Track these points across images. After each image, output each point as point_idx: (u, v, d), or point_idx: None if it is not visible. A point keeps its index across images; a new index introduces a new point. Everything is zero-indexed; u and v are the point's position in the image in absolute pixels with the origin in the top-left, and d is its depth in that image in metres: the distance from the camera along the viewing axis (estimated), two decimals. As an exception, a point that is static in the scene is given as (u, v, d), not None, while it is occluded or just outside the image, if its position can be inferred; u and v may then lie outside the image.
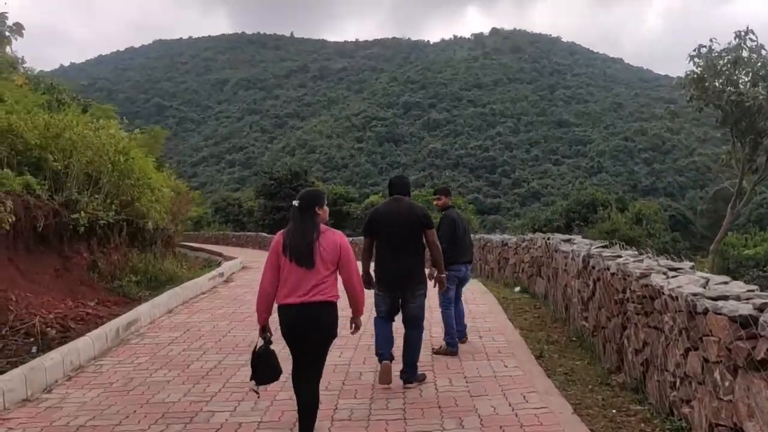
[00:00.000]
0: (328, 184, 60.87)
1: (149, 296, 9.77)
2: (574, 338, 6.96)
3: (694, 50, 24.48)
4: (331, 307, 4.28)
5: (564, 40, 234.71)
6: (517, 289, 11.05)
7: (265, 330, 4.43)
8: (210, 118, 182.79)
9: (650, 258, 5.70)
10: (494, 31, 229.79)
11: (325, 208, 4.51)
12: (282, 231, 4.43)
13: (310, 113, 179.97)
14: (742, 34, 23.95)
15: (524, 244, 11.14)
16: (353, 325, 4.64)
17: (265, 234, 39.27)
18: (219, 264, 16.66)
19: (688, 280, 4.51)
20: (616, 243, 7.81)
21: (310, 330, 4.22)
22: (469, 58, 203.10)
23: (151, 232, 18.19)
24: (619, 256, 6.06)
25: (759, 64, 23.91)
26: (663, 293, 4.54)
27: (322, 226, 4.37)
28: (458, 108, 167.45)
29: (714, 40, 24.32)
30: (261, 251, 34.39)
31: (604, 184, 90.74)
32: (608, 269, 5.88)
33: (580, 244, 7.80)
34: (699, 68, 24.11)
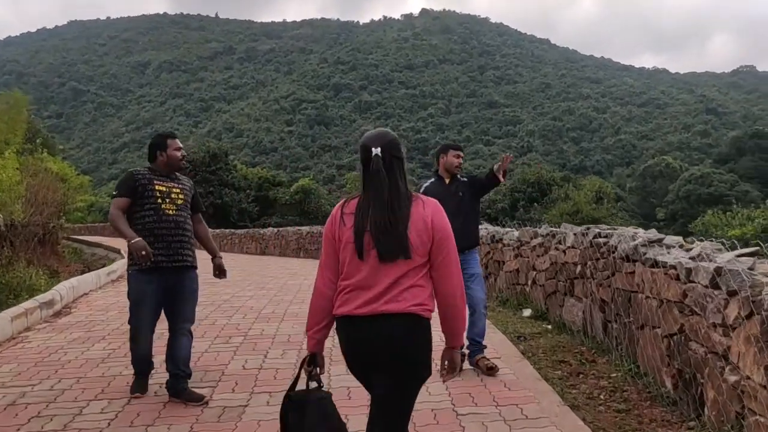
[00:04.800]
0: (255, 169, 55.79)
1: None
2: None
3: None
4: (416, 322, 2.33)
5: (492, 20, 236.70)
6: (527, 312, 7.01)
7: (314, 360, 2.50)
8: (131, 102, 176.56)
9: None
10: (424, 12, 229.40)
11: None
12: (343, 201, 2.48)
13: (237, 96, 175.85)
14: None
15: (537, 240, 7.09)
16: (446, 364, 2.46)
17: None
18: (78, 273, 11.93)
19: None
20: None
21: (381, 357, 2.33)
22: (399, 39, 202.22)
23: (2, 231, 13.67)
24: None
25: None
26: None
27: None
28: (389, 90, 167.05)
29: None
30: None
31: (535, 163, 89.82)
32: None
33: (721, 256, 3.80)
34: None
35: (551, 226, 7.22)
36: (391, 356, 2.32)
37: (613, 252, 5.07)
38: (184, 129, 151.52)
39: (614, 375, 4.63)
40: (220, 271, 4.64)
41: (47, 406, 4.31)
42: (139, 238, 4.13)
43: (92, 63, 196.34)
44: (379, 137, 2.48)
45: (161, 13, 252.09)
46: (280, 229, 24.53)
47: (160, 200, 4.31)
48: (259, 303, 8.43)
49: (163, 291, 4.29)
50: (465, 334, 4.70)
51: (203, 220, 4.74)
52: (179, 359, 4.30)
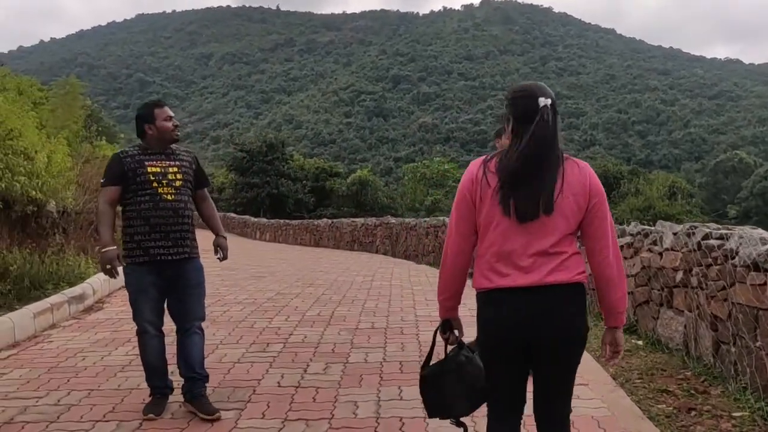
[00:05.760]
0: (312, 160, 55.62)
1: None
2: None
3: None
4: (581, 292, 2.14)
5: (555, 10, 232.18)
6: (610, 324, 6.08)
7: (448, 326, 2.35)
8: (194, 93, 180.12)
9: None
10: (485, 2, 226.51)
11: None
12: (483, 158, 2.22)
13: (297, 88, 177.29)
14: None
15: (624, 240, 6.08)
16: (608, 348, 2.25)
17: (233, 215, 34.06)
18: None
19: None
20: None
21: (544, 334, 2.10)
22: (459, 30, 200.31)
23: (55, 218, 13.35)
24: None
25: None
26: None
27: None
28: (448, 81, 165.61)
29: None
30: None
31: (598, 157, 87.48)
32: None
33: None
34: None
35: (642, 223, 6.21)
36: (557, 331, 2.09)
37: (732, 257, 4.09)
38: (245, 120, 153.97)
39: (738, 414, 3.67)
40: (222, 251, 4.10)
41: (47, 426, 3.64)
42: (113, 248, 3.61)
43: (158, 55, 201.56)
44: (544, 88, 2.20)
45: (224, 5, 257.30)
46: (335, 220, 23.98)
47: (156, 184, 3.66)
48: (304, 303, 7.70)
49: (163, 283, 3.75)
50: None
51: (209, 197, 4.14)
52: (193, 360, 3.80)
